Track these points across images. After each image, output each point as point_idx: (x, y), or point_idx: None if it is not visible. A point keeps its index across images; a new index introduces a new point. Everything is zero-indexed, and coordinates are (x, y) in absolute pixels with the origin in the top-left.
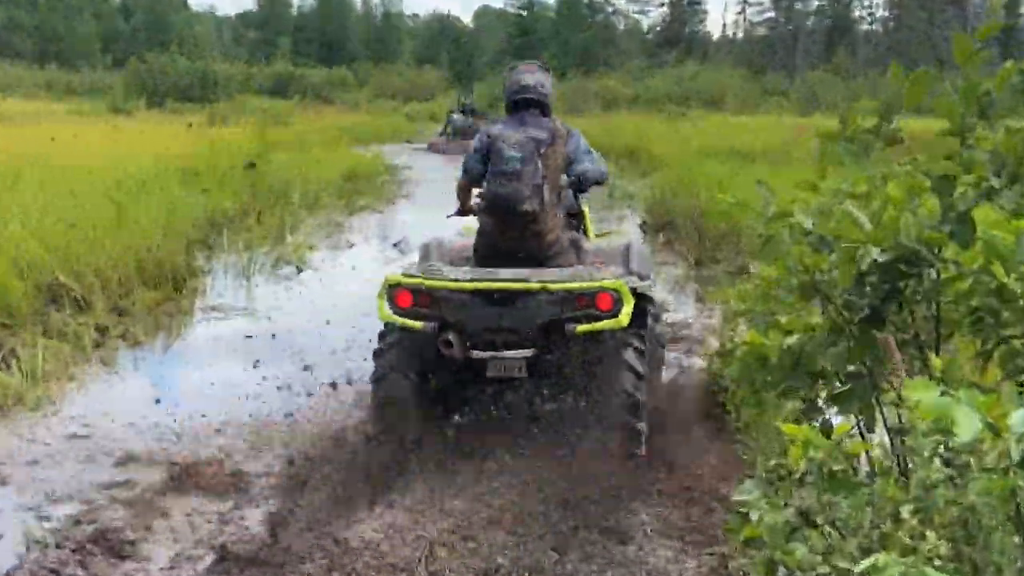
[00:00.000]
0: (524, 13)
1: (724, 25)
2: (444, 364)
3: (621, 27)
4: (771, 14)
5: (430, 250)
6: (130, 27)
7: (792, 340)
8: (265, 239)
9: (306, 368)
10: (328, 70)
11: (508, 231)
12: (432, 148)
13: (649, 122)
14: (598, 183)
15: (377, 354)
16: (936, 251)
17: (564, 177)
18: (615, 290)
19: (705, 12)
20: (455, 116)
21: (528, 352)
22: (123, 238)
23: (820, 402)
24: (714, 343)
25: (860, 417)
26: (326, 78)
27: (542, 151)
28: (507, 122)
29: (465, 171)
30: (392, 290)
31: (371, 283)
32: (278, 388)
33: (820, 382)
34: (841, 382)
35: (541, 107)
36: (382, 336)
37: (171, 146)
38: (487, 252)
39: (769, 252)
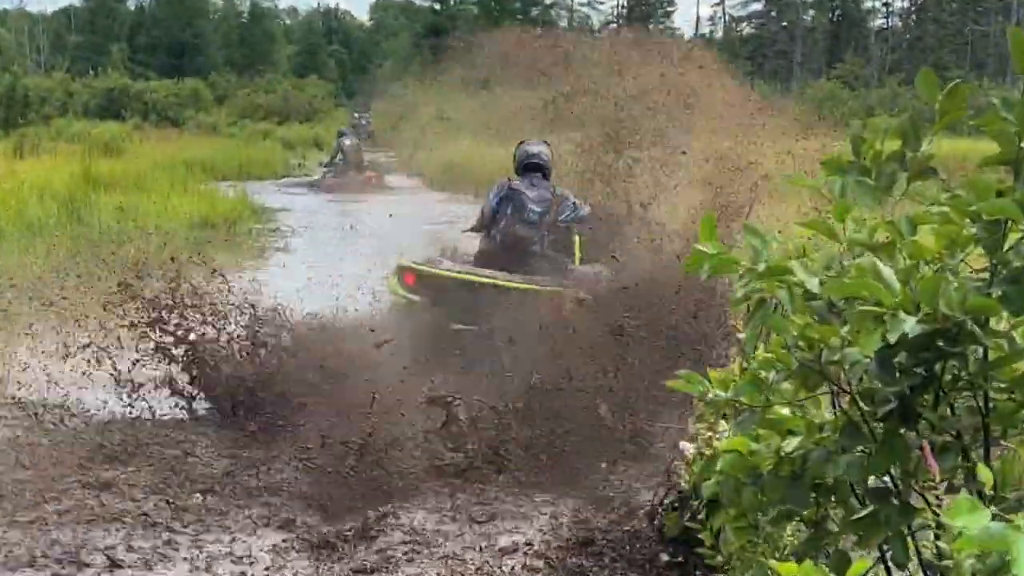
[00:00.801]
0: (438, 6)
1: (698, 20)
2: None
3: (564, 24)
4: (758, 5)
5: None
6: None
7: (792, 444)
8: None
9: None
10: (176, 83)
11: (512, 257)
12: (320, 186)
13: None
14: (581, 222)
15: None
16: (983, 322)
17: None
18: (555, 294)
19: (672, 4)
20: (346, 141)
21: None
22: None
23: (831, 529)
24: (686, 449)
25: (886, 549)
26: (174, 94)
27: (549, 210)
28: (522, 182)
29: (483, 212)
30: (401, 271)
31: None
32: None
33: (830, 502)
34: (860, 501)
35: (543, 172)
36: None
37: None
38: (486, 266)
39: (759, 322)
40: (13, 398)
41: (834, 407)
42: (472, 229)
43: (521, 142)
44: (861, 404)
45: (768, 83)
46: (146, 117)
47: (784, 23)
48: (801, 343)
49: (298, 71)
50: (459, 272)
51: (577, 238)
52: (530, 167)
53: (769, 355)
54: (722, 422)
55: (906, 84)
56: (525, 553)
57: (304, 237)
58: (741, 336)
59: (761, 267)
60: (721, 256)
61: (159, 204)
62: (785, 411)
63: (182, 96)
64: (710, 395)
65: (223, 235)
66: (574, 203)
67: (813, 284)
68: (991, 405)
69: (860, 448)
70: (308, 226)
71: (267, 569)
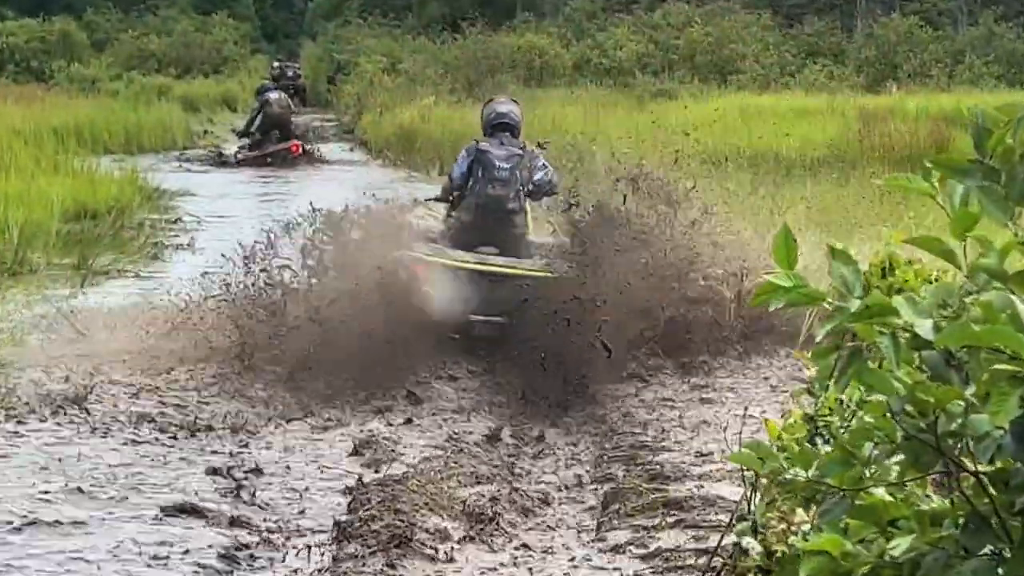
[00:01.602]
0: None
1: None
2: None
3: None
4: None
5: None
6: None
7: (901, 545)
8: None
9: None
10: (41, 24)
11: (491, 224)
12: (239, 161)
13: (607, 108)
14: (549, 194)
15: None
16: None
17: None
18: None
19: None
20: (272, 95)
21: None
22: None
23: None
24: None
25: None
26: (38, 37)
27: (520, 165)
28: (490, 142)
29: (451, 178)
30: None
31: None
32: None
33: None
34: None
35: (513, 131)
36: None
37: None
38: (468, 238)
39: (851, 378)
40: None
41: (953, 494)
42: (437, 199)
43: (489, 99)
44: (991, 490)
45: (824, 19)
46: (1, 68)
47: None
48: (910, 407)
49: (201, 6)
50: (477, 262)
51: (529, 208)
52: (499, 127)
53: (866, 418)
54: (799, 510)
55: (1005, 21)
56: None
57: (215, 231)
58: (807, 372)
59: (854, 304)
60: (801, 289)
61: (20, 187)
62: (886, 496)
63: (48, 41)
64: (787, 475)
65: (107, 229)
66: (544, 163)
67: (925, 328)
68: None
69: (990, 549)
70: (222, 216)
71: None
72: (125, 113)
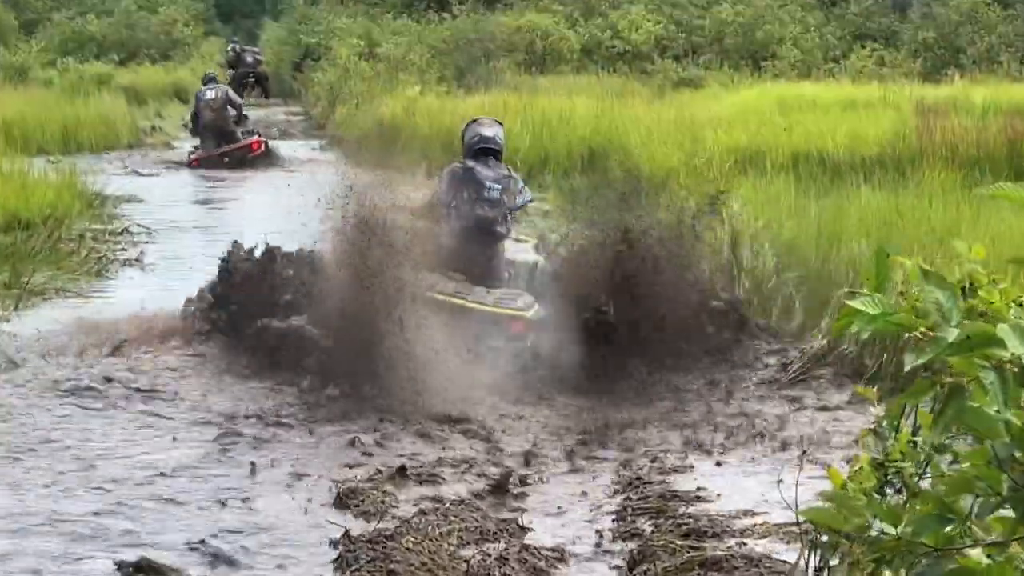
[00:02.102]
0: None
1: None
2: None
3: None
4: None
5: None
6: None
7: None
8: None
9: None
10: None
11: (476, 248)
12: (192, 162)
13: (622, 99)
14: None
15: None
16: None
17: None
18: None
19: None
20: (206, 92)
21: None
22: None
23: None
24: None
25: None
26: None
27: (508, 190)
28: (476, 162)
29: (441, 202)
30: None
31: None
32: None
33: None
34: None
35: (497, 156)
36: None
37: None
38: (454, 260)
39: (950, 420)
40: None
41: None
42: (417, 214)
43: (472, 121)
44: None
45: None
46: None
47: None
48: (1019, 454)
49: None
50: (468, 300)
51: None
52: (483, 152)
53: (964, 467)
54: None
55: None
56: None
57: (165, 243)
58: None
59: (952, 334)
60: (890, 316)
61: None
62: (987, 557)
63: None
64: (873, 532)
65: (42, 241)
66: (523, 186)
67: None
68: None
69: None
70: (174, 224)
71: None
72: (61, 106)
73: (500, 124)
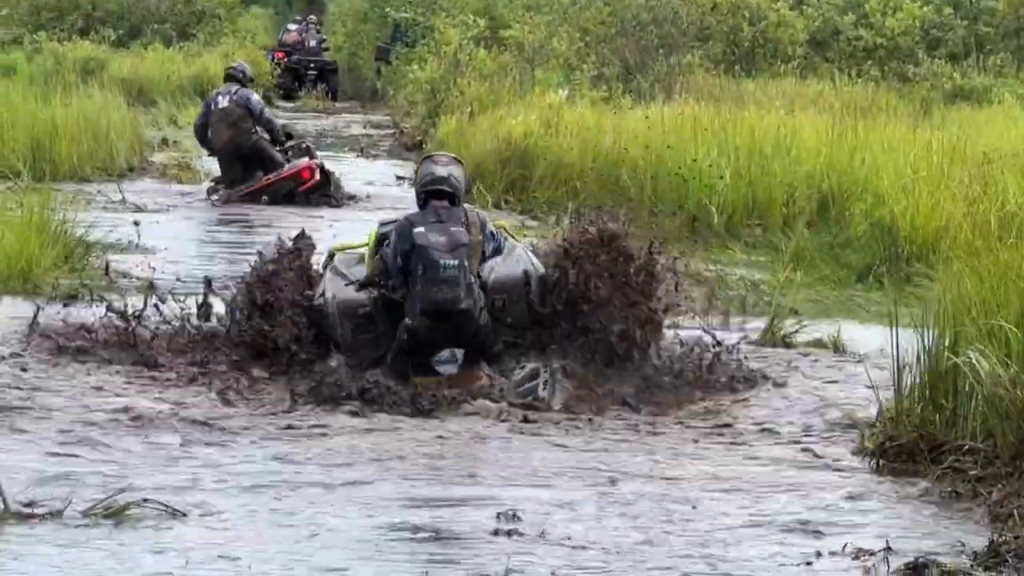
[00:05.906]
0: None
1: None
2: None
3: None
4: None
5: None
6: None
7: None
8: None
9: None
10: None
11: (444, 330)
12: (220, 197)
13: (869, 117)
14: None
15: None
16: None
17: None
18: None
19: None
20: (219, 99)
21: None
22: None
23: None
24: None
25: None
26: None
27: (468, 252)
28: (424, 222)
29: (385, 265)
30: None
31: None
32: None
33: None
34: None
35: (452, 199)
36: None
37: None
38: (418, 350)
39: None
40: None
41: None
42: (365, 284)
43: (427, 156)
44: None
45: None
46: None
47: None
48: None
49: None
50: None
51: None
52: (435, 194)
53: None
54: None
55: None
56: None
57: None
58: None
59: None
60: None
61: None
62: None
63: None
64: None
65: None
66: (493, 232)
67: None
68: None
69: None
70: (195, 288)
71: None
72: (28, 106)
73: (459, 162)
